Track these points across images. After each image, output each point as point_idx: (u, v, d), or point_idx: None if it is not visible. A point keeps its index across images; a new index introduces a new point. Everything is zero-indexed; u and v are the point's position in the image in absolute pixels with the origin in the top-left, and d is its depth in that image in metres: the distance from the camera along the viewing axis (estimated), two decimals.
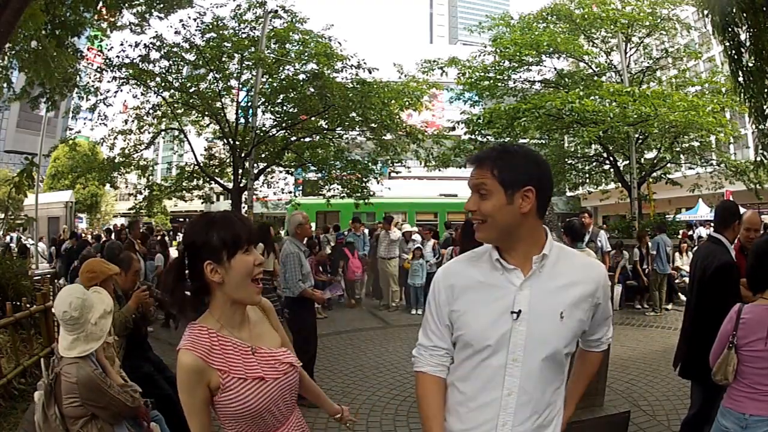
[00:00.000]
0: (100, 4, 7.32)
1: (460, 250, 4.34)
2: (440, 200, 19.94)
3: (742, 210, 3.36)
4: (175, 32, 11.52)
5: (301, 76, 12.24)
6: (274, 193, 15.34)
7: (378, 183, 13.71)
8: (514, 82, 15.02)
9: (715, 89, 12.69)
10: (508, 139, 12.54)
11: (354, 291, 9.91)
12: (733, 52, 5.15)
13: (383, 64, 12.24)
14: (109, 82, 11.79)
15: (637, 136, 12.71)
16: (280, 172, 14.50)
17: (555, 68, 14.61)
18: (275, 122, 13.29)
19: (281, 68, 12.21)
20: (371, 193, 13.21)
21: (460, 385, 1.39)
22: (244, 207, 12.16)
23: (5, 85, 8.03)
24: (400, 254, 9.45)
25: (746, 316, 2.15)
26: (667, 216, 16.66)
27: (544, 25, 14.01)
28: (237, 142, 12.21)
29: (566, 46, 12.87)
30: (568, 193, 24.60)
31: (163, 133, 13.52)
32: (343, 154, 13.20)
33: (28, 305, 4.62)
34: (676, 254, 9.72)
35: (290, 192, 16.41)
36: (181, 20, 11.70)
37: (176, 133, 13.60)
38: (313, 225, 12.71)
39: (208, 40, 11.69)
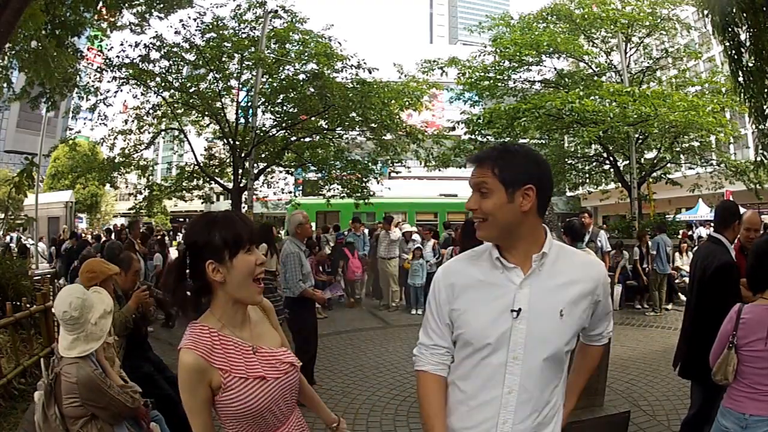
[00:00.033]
0: (100, 4, 7.32)
1: (460, 250, 4.33)
2: (440, 200, 19.95)
3: (742, 210, 3.36)
4: (175, 32, 11.54)
5: (301, 76, 12.23)
6: (274, 193, 15.34)
7: (378, 183, 13.70)
8: (514, 82, 15.01)
9: (715, 89, 12.69)
10: (508, 139, 12.52)
11: (354, 291, 9.91)
12: (733, 52, 5.16)
13: (383, 64, 12.25)
14: (109, 82, 11.83)
15: (637, 136, 12.70)
16: (280, 172, 14.49)
17: (555, 68, 14.60)
18: (275, 122, 13.28)
19: (281, 68, 12.21)
20: (371, 193, 13.21)
21: (460, 383, 1.39)
22: (244, 207, 12.14)
23: (5, 85, 8.04)
24: (400, 254, 9.45)
25: (746, 316, 2.15)
26: (667, 216, 16.65)
27: (544, 25, 14.00)
28: (237, 142, 12.21)
29: (566, 46, 12.87)
30: (568, 193, 24.58)
31: (163, 133, 13.52)
32: (343, 154, 13.20)
33: (28, 305, 4.62)
34: (676, 254, 9.71)
35: (290, 192, 16.41)
36: (181, 20, 11.73)
37: (176, 133, 13.59)
38: (313, 225, 12.70)
39: (208, 40, 11.69)
